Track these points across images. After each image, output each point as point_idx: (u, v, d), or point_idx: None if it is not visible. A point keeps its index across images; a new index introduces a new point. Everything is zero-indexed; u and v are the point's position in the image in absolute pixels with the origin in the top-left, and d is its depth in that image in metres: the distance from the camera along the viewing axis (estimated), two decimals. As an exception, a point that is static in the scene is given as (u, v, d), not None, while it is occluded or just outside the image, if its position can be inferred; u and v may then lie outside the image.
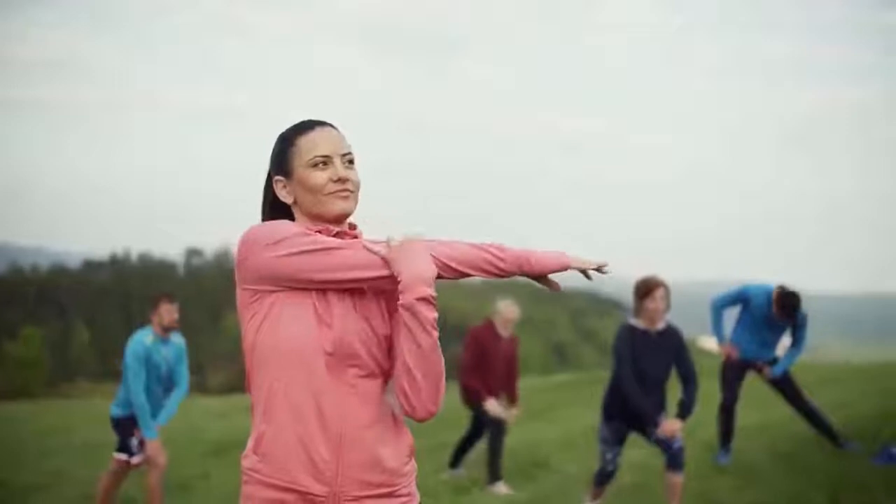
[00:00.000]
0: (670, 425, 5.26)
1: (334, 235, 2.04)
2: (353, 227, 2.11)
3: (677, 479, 5.33)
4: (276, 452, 1.99)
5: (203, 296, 54.19)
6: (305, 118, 2.12)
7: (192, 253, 66.78)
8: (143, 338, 5.88)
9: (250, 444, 2.04)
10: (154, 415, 5.90)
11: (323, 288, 1.98)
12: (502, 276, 2.08)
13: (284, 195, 2.08)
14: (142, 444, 5.90)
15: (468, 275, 2.05)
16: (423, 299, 1.93)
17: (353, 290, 2.02)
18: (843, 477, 6.09)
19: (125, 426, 5.94)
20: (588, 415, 11.14)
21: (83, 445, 10.61)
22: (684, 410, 5.35)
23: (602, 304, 79.96)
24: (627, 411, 5.37)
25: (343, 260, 1.96)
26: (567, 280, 2.22)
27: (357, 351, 1.99)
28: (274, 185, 2.10)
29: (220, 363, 50.08)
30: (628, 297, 5.65)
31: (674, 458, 5.31)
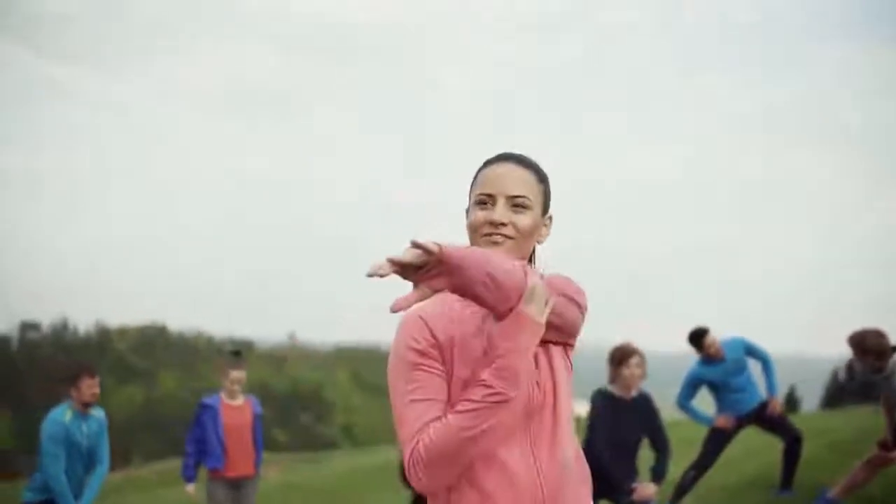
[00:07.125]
0: (645, 489, 5.21)
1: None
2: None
3: None
4: None
5: (39, 372, 50.89)
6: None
7: (27, 327, 62.67)
8: (61, 416, 5.39)
9: None
10: (75, 496, 5.40)
11: None
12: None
13: None
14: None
15: None
16: None
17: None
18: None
19: None
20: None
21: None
22: (658, 476, 5.34)
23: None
24: (599, 480, 5.24)
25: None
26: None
27: (535, 397, 1.82)
28: None
29: (60, 443, 46.95)
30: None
31: None
